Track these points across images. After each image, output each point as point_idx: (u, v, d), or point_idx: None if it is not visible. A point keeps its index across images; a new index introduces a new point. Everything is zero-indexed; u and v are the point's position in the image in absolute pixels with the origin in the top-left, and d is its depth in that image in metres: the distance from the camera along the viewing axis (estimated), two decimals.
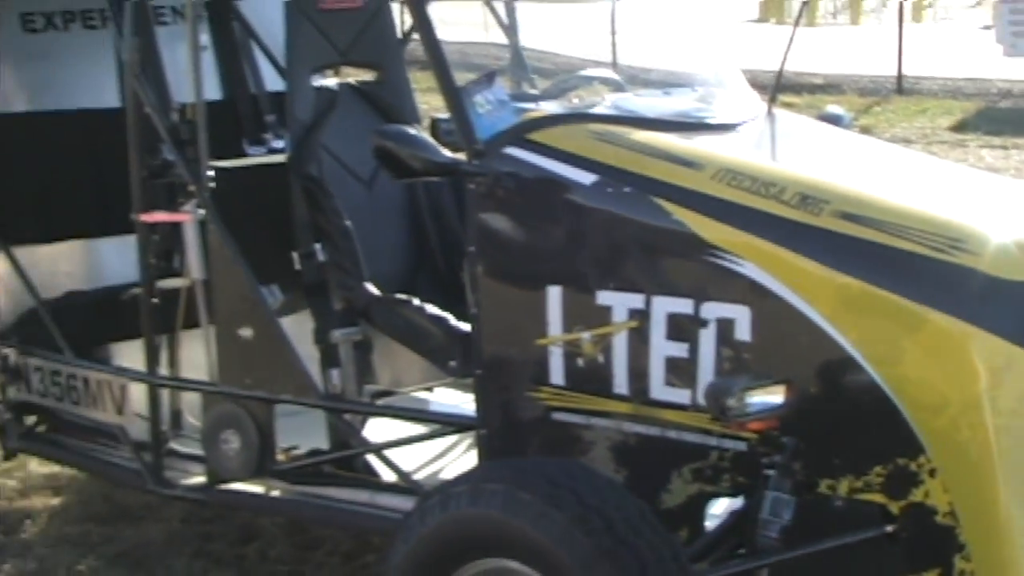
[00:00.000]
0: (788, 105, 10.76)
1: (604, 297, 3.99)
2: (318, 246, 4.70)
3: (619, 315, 3.96)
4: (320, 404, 4.63)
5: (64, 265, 5.75)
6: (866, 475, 3.65)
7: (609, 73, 4.85)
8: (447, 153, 4.21)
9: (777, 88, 4.70)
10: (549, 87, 4.82)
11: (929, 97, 18.54)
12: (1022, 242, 3.65)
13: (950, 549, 3.53)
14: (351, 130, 4.92)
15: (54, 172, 5.75)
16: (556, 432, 4.12)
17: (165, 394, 5.07)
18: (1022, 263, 3.61)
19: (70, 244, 5.78)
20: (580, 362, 4.04)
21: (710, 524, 3.81)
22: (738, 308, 3.79)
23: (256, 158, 5.59)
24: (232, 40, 6.04)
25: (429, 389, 5.24)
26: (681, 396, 3.90)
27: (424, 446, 4.72)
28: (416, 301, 4.56)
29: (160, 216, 4.89)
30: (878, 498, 3.64)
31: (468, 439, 4.66)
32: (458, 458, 4.76)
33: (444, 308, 4.51)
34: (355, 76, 5.14)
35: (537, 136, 4.19)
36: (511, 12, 5.39)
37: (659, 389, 3.93)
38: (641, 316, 3.92)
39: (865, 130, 13.70)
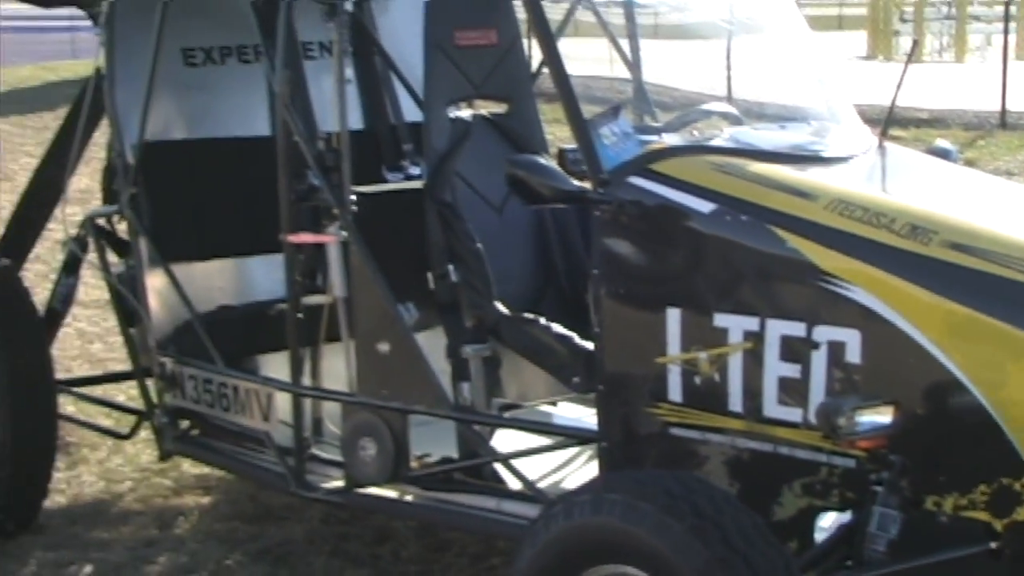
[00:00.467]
0: (895, 138, 10.61)
1: (721, 319, 3.96)
2: (451, 267, 4.70)
3: (735, 336, 3.94)
4: (451, 415, 4.64)
5: (217, 281, 5.79)
6: (971, 493, 3.59)
7: (727, 107, 4.81)
8: (574, 181, 4.20)
9: (888, 122, 4.65)
10: (671, 120, 4.78)
11: None
12: None
13: None
14: (484, 159, 4.93)
15: (209, 195, 5.81)
16: (673, 446, 4.10)
17: (308, 403, 5.10)
18: None
19: (223, 262, 5.83)
20: (697, 380, 4.01)
21: (819, 537, 3.77)
22: (849, 332, 3.75)
23: (395, 184, 5.60)
24: (374, 74, 6.07)
25: (553, 403, 5.23)
26: (793, 414, 3.86)
27: (548, 457, 4.71)
28: (543, 320, 4.55)
29: (306, 237, 4.91)
30: (982, 515, 3.58)
31: (590, 451, 4.64)
32: (580, 468, 4.74)
33: (569, 327, 4.50)
34: (488, 108, 5.14)
35: (659, 166, 4.18)
36: (635, 49, 5.36)
37: (772, 407, 3.90)
38: (756, 338, 3.89)
39: (970, 163, 13.48)
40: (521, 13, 4.89)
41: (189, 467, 6.37)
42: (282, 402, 5.13)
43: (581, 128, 4.27)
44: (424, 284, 4.75)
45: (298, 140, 4.90)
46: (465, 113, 5.02)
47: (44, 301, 6.20)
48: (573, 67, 4.41)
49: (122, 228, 5.83)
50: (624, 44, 5.47)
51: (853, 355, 3.75)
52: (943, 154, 4.84)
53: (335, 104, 4.80)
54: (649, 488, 3.47)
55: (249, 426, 5.29)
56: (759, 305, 3.91)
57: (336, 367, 5.03)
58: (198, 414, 5.54)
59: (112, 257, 5.87)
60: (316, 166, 4.86)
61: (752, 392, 3.92)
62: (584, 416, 4.82)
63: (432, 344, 4.72)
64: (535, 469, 4.64)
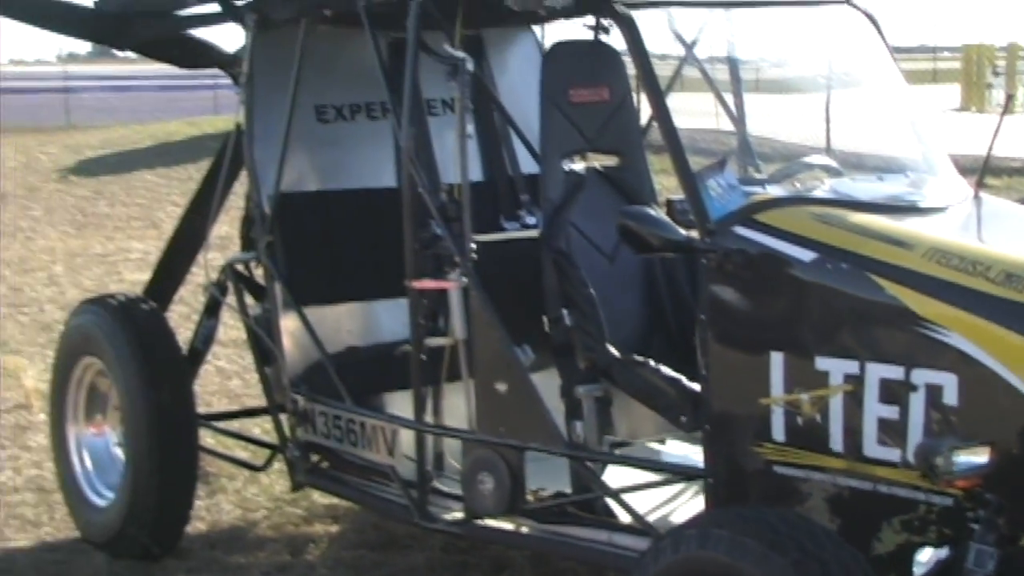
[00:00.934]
0: (988, 187, 10.46)
1: (822, 362, 3.92)
2: (565, 312, 4.69)
3: (835, 379, 3.89)
4: (565, 452, 4.62)
5: (346, 323, 5.82)
6: None
7: (827, 160, 4.78)
8: (682, 231, 4.19)
9: (983, 173, 4.59)
10: (774, 172, 4.75)
11: None
12: None
13: None
14: (596, 209, 4.92)
15: (339, 243, 5.85)
16: (776, 483, 4.05)
17: (430, 439, 5.11)
18: None
19: (351, 305, 5.86)
20: (799, 421, 3.97)
21: (917, 572, 3.70)
22: (946, 375, 3.69)
23: (512, 233, 5.62)
24: (493, 128, 6.11)
25: (662, 440, 5.21)
26: (892, 454, 3.80)
27: (657, 492, 4.68)
28: (652, 362, 4.53)
29: (429, 283, 4.94)
30: None
31: (696, 487, 4.61)
32: (687, 504, 4.71)
33: (677, 369, 4.47)
34: (600, 161, 5.14)
35: (763, 217, 4.15)
36: (739, 104, 5.34)
37: (872, 447, 3.84)
38: (856, 380, 3.85)
39: None
40: (631, 69, 4.89)
41: (319, 497, 6.41)
42: (406, 438, 5.15)
43: (689, 180, 4.26)
44: (540, 327, 4.75)
45: (422, 192, 4.93)
46: (579, 166, 5.02)
47: (187, 340, 6.29)
48: (680, 120, 4.41)
49: (259, 273, 5.89)
50: (728, 98, 5.46)
51: (950, 397, 3.69)
52: None
53: (457, 158, 4.82)
54: (753, 524, 3.44)
55: (375, 460, 5.31)
56: (859, 349, 3.87)
57: (457, 405, 5.05)
58: (328, 448, 5.56)
59: (249, 300, 5.94)
60: (439, 216, 4.89)
61: (852, 432, 3.87)
62: (691, 453, 4.79)
63: (547, 384, 4.71)
64: (644, 504, 4.61)
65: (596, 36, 5.15)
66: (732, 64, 5.31)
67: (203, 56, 6.67)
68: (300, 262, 5.75)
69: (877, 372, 3.82)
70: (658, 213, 4.36)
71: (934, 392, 3.72)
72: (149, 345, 5.90)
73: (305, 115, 5.86)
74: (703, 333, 4.17)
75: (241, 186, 6.14)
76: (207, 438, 6.56)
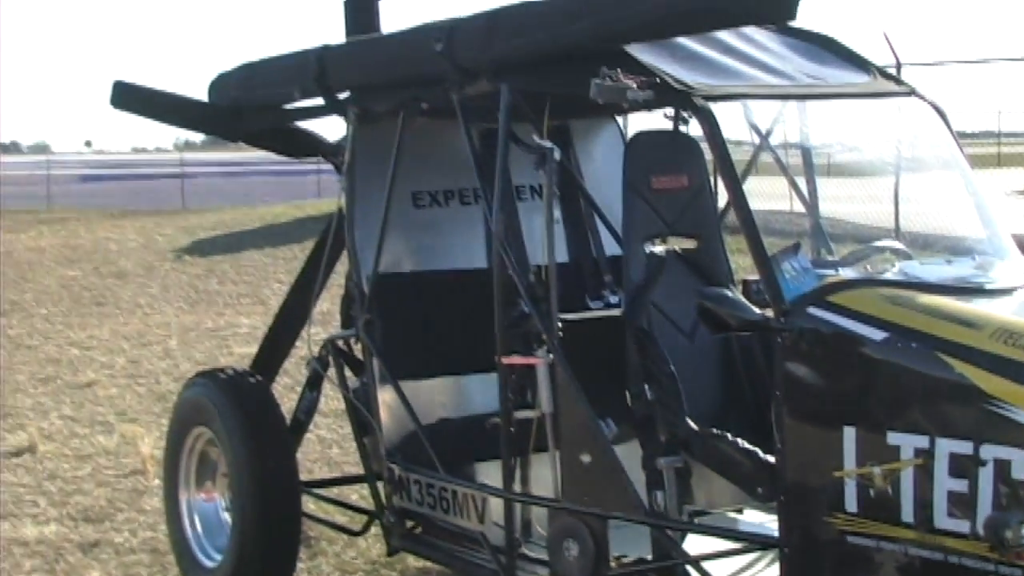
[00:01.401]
0: None
1: (893, 437, 3.86)
2: (647, 387, 4.67)
3: (906, 453, 3.83)
4: (647, 521, 4.58)
5: (439, 396, 5.83)
6: None
7: (897, 243, 4.74)
8: (757, 311, 4.17)
9: None
10: (846, 255, 4.72)
11: None
12: None
13: None
14: (676, 289, 4.91)
15: (433, 320, 5.88)
16: (849, 553, 3.99)
17: (518, 507, 5.09)
18: None
19: (444, 379, 5.87)
20: (871, 493, 3.91)
21: None
22: (1014, 451, 3.62)
23: (597, 312, 5.62)
24: (578, 212, 6.12)
25: (739, 510, 5.15)
26: (962, 526, 3.73)
27: (734, 560, 4.63)
28: (729, 436, 4.49)
29: (518, 359, 4.94)
30: None
31: (772, 555, 4.54)
32: (763, 572, 4.64)
33: (753, 442, 4.43)
34: (679, 244, 5.14)
35: (835, 298, 4.12)
36: (812, 190, 5.32)
37: (942, 519, 3.77)
38: (926, 455, 3.79)
39: None
40: (708, 155, 4.89)
41: (413, 561, 6.39)
42: (495, 506, 5.13)
43: (765, 263, 4.24)
44: (622, 401, 4.73)
45: (512, 273, 4.95)
46: (659, 248, 5.03)
47: (290, 411, 6.32)
48: (755, 203, 4.39)
49: (358, 349, 5.93)
50: (801, 182, 5.44)
51: (1019, 472, 3.62)
52: None
53: (545, 241, 4.83)
54: None
55: (466, 527, 5.29)
56: (928, 425, 3.81)
57: (543, 475, 5.02)
58: (421, 515, 5.55)
59: (349, 374, 5.97)
60: (527, 296, 4.89)
61: (923, 504, 3.81)
62: (767, 523, 4.74)
63: (629, 456, 4.68)
64: (722, 571, 4.56)
65: (675, 126, 5.16)
66: (805, 151, 5.29)
67: (308, 146, 6.76)
68: (396, 338, 5.78)
69: (947, 447, 3.75)
70: (735, 294, 4.35)
71: (1002, 467, 3.64)
72: (255, 416, 5.94)
73: (402, 200, 5.91)
74: (778, 408, 4.13)
75: (342, 266, 6.19)
76: (309, 504, 6.58)
